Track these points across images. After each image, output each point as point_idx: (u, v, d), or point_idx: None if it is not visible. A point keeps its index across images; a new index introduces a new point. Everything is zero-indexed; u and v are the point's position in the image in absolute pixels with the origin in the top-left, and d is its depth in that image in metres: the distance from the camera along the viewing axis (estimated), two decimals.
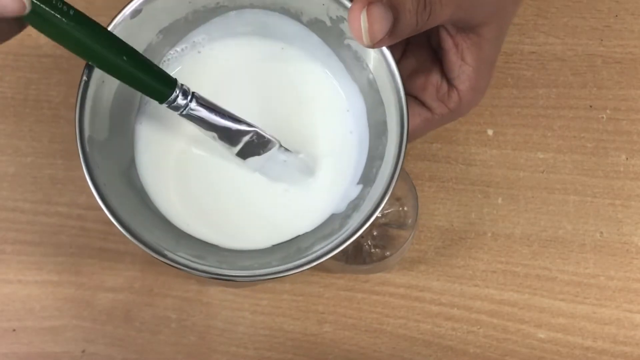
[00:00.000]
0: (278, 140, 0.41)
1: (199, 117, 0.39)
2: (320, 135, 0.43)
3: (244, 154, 0.41)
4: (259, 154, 0.41)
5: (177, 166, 0.43)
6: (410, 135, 0.39)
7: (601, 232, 0.52)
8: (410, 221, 0.51)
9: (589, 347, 0.51)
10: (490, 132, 0.54)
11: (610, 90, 0.54)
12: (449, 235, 0.53)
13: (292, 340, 0.52)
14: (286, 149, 0.41)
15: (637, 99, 0.53)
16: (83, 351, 0.53)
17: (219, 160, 0.42)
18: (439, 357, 0.51)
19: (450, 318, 0.52)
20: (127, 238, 0.37)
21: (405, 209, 0.52)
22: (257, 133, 0.40)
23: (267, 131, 0.40)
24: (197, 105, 0.38)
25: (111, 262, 0.54)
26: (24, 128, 0.56)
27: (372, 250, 0.52)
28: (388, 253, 0.51)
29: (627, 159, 0.53)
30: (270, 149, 0.41)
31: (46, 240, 0.54)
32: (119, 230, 0.37)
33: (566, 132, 0.53)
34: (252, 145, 0.40)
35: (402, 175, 0.50)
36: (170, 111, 0.38)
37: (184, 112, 0.38)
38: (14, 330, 0.53)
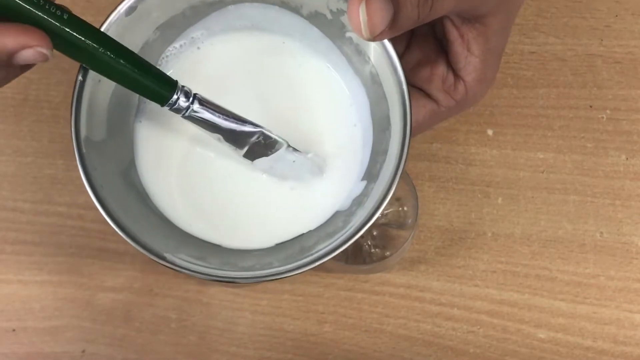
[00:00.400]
0: (286, 140, 0.40)
1: (202, 119, 0.38)
2: (325, 131, 0.43)
3: (251, 155, 0.40)
4: (266, 155, 0.40)
5: (178, 165, 0.42)
6: (416, 128, 0.38)
7: (601, 232, 0.52)
8: (410, 221, 0.51)
9: (589, 347, 0.51)
10: (490, 132, 0.54)
11: (610, 90, 0.54)
12: (449, 235, 0.53)
13: (292, 340, 0.52)
14: (294, 149, 0.41)
15: (637, 99, 0.53)
16: (83, 351, 0.53)
17: (222, 158, 0.42)
18: (439, 357, 0.51)
19: (450, 318, 0.52)
20: (125, 240, 0.37)
21: (405, 209, 0.52)
22: (263, 134, 0.39)
23: (273, 130, 0.40)
24: (200, 107, 0.38)
25: (111, 262, 0.54)
26: (24, 128, 0.56)
27: (372, 250, 0.52)
28: (388, 253, 0.51)
29: (627, 159, 0.53)
30: (278, 150, 0.40)
31: (46, 240, 0.54)
32: (102, 212, 0.37)
33: (566, 132, 0.53)
34: (259, 146, 0.40)
35: (402, 175, 0.50)
36: (172, 113, 0.38)
37: (186, 114, 0.38)
38: (14, 330, 0.53)
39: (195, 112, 0.38)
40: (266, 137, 0.40)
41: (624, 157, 0.53)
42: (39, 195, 0.55)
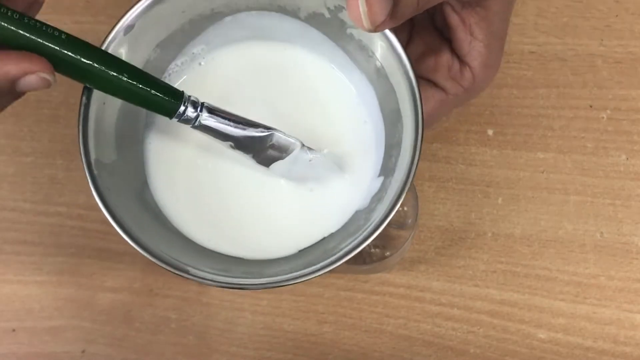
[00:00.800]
0: (300, 140, 0.40)
1: (213, 128, 0.37)
2: (336, 131, 0.42)
3: (266, 161, 0.40)
4: (282, 158, 0.40)
5: (192, 183, 0.42)
6: (426, 119, 0.37)
7: (601, 232, 0.52)
8: (410, 221, 0.51)
9: (589, 347, 0.51)
10: (490, 132, 0.54)
11: (610, 90, 0.54)
12: (449, 235, 0.53)
13: (292, 340, 0.52)
14: (309, 148, 0.40)
15: (637, 99, 0.53)
16: (83, 351, 0.53)
17: (237, 169, 0.41)
18: (439, 357, 0.51)
19: (450, 318, 0.52)
20: (147, 258, 0.36)
21: (405, 209, 0.52)
22: (276, 136, 0.39)
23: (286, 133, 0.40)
24: (209, 115, 0.37)
25: (111, 262, 0.54)
26: (24, 128, 0.56)
27: (372, 250, 0.52)
28: (388, 253, 0.51)
29: (627, 159, 0.53)
30: (293, 150, 0.39)
31: (46, 240, 0.54)
32: (120, 232, 0.37)
33: (566, 132, 0.53)
34: (273, 149, 0.39)
35: None
36: (180, 126, 0.37)
37: (196, 124, 0.37)
38: (14, 330, 0.53)
39: (204, 121, 0.37)
40: (280, 139, 0.39)
41: (624, 157, 0.53)
42: (39, 195, 0.55)
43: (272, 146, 0.39)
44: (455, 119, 0.54)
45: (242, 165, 0.41)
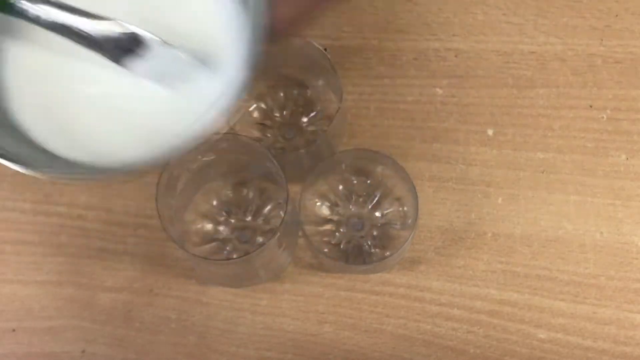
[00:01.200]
0: (158, 36, 0.37)
1: (54, 22, 0.35)
2: (193, 26, 0.40)
3: (125, 61, 0.37)
4: (141, 57, 0.37)
5: (45, 92, 0.39)
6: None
7: (601, 232, 0.52)
8: (410, 221, 0.51)
9: (589, 347, 0.51)
10: (490, 132, 0.54)
11: (610, 90, 0.54)
12: (449, 235, 0.53)
13: (292, 340, 0.52)
14: (168, 44, 0.38)
15: (637, 99, 0.53)
16: (83, 351, 0.53)
17: (94, 73, 0.39)
18: (439, 357, 0.51)
19: (450, 318, 0.52)
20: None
21: (405, 209, 0.52)
22: (130, 31, 0.37)
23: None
24: (47, 5, 0.35)
25: (111, 262, 0.54)
26: None
27: (372, 250, 0.52)
28: (388, 253, 0.51)
29: (627, 159, 0.53)
30: (151, 48, 0.37)
31: (46, 240, 0.54)
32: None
33: (566, 132, 0.53)
34: (130, 47, 0.37)
35: (402, 175, 0.50)
36: (27, 32, 0.34)
37: (36, 19, 0.35)
38: (14, 330, 0.53)
39: (44, 13, 0.35)
40: (135, 36, 0.37)
41: (624, 157, 0.53)
42: (39, 195, 0.55)
43: (129, 44, 0.37)
44: (455, 119, 0.54)
45: (100, 66, 0.38)
